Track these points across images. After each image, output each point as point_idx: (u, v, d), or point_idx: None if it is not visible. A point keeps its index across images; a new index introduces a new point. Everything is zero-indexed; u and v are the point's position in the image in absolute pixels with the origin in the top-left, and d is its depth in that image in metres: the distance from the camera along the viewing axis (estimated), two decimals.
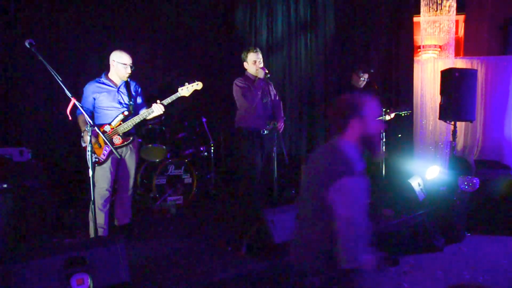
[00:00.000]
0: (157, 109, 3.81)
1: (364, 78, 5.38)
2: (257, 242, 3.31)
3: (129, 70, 3.82)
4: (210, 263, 3.30)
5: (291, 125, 6.49)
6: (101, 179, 3.73)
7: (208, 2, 6.49)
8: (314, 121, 6.37)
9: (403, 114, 5.49)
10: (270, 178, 4.20)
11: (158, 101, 3.81)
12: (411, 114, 6.44)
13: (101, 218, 3.76)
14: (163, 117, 5.56)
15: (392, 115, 5.43)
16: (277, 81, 6.26)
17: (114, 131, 3.74)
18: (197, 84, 3.88)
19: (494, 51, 6.76)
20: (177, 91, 3.88)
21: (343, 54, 6.42)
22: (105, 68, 3.93)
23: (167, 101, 3.83)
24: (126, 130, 3.79)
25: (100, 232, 3.74)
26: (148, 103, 3.99)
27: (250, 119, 4.31)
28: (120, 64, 3.78)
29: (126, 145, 3.83)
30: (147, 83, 4.23)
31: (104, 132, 3.68)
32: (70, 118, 3.12)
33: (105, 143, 3.67)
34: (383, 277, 4.02)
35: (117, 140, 3.77)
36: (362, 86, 5.44)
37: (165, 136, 5.67)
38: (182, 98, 3.92)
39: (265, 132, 4.32)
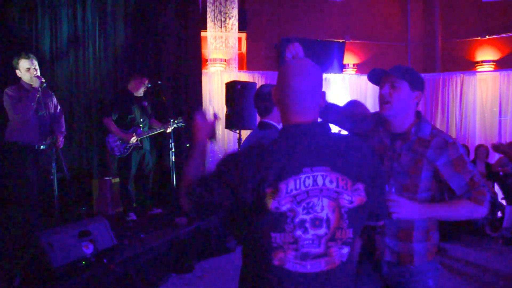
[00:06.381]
0: None
1: (145, 84, 5.24)
2: (33, 270, 2.94)
3: None
4: None
5: (79, 137, 6.03)
6: None
7: None
8: (104, 132, 6.04)
9: (177, 126, 5.32)
10: (50, 196, 3.84)
11: None
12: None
13: None
14: None
15: (169, 129, 5.24)
16: (63, 92, 5.75)
17: None
18: None
19: (271, 67, 7.59)
20: None
21: (133, 63, 6.27)
22: None
23: None
24: None
25: None
26: None
27: (22, 133, 3.92)
28: None
29: None
30: None
31: None
32: None
33: None
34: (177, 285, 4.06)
35: None
36: (142, 92, 5.29)
37: None
38: None
39: (41, 147, 3.96)
